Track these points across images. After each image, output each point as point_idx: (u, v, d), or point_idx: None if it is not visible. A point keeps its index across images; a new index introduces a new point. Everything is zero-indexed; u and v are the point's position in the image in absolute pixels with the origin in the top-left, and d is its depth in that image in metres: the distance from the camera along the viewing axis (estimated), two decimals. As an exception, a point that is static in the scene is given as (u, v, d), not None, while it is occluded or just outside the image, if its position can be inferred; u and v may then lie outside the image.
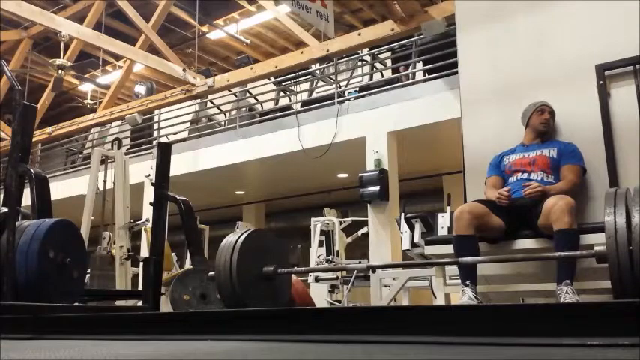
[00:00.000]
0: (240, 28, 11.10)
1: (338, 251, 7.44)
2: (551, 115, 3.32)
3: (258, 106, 9.75)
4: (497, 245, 3.12)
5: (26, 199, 3.81)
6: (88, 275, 5.93)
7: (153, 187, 4.07)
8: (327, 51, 6.24)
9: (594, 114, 3.23)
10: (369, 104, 7.55)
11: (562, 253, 2.70)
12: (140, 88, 10.33)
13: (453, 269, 3.36)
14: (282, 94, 9.60)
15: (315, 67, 8.57)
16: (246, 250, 3.15)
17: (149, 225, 6.06)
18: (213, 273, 3.23)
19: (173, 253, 7.70)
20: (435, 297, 3.79)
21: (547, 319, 1.52)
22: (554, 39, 3.50)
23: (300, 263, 8.24)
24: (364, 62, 8.72)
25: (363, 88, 8.16)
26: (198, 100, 9.61)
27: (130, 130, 10.48)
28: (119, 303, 5.40)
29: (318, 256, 7.46)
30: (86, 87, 12.17)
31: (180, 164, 8.22)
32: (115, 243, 6.71)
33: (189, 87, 7.48)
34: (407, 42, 7.65)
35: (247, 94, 9.61)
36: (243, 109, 9.66)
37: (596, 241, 2.66)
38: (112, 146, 7.47)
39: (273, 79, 9.29)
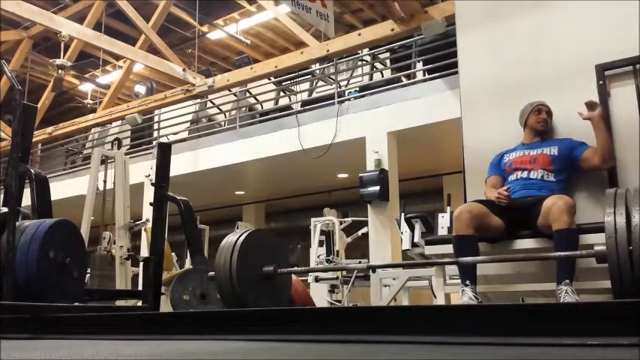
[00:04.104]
0: (240, 28, 11.10)
1: (338, 251, 7.43)
2: (548, 115, 3.32)
3: (258, 106, 9.75)
4: (497, 245, 3.12)
5: (26, 199, 3.81)
6: (88, 275, 5.94)
7: (153, 187, 4.08)
8: (327, 51, 6.24)
9: (594, 114, 3.23)
10: (369, 104, 7.55)
11: (562, 253, 2.70)
12: (140, 88, 10.33)
13: (453, 269, 3.36)
14: (282, 94, 9.60)
15: (315, 67, 8.57)
16: (246, 250, 3.15)
17: (149, 225, 6.07)
18: (213, 273, 3.23)
19: (173, 253, 7.70)
20: (435, 297, 3.79)
21: (547, 319, 1.52)
22: (554, 39, 3.50)
23: (300, 263, 8.24)
24: (364, 62, 8.71)
25: (363, 88, 8.16)
26: (198, 100, 9.61)
27: (130, 130, 10.49)
28: (119, 303, 5.40)
29: (318, 256, 7.46)
30: (86, 87, 12.19)
31: (180, 164, 8.22)
32: (115, 243, 6.71)
33: (189, 87, 7.48)
34: (407, 42, 7.65)
35: (247, 94, 9.61)
36: (243, 109, 9.66)
37: (596, 241, 2.66)
38: (112, 146, 7.47)
39: (273, 79, 9.29)
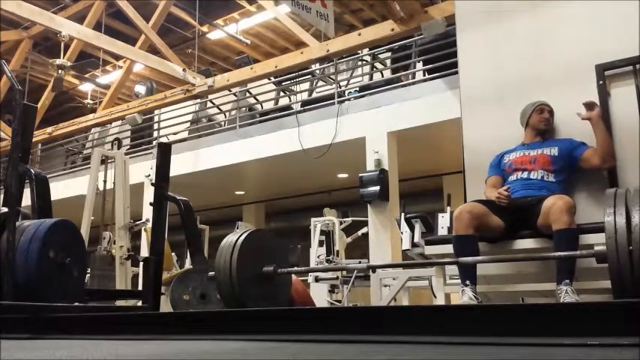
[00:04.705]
0: (240, 28, 11.10)
1: (338, 251, 7.44)
2: (550, 114, 3.33)
3: (258, 106, 9.75)
4: (497, 245, 3.12)
5: (26, 199, 3.81)
6: (88, 275, 5.94)
7: (153, 187, 4.08)
8: (327, 51, 6.23)
9: (594, 114, 3.23)
10: (369, 104, 7.55)
11: (562, 253, 2.70)
12: (140, 88, 10.33)
13: (453, 269, 3.35)
14: (282, 94, 9.60)
15: (315, 67, 8.57)
16: (246, 250, 3.15)
17: (149, 225, 6.06)
18: (213, 273, 3.23)
19: (173, 253, 7.70)
20: (435, 297, 3.79)
21: (547, 319, 1.52)
22: (554, 39, 3.50)
23: (300, 263, 8.24)
24: (364, 62, 8.71)
25: (363, 88, 8.16)
26: (198, 100, 9.61)
27: (130, 130, 10.48)
28: (119, 303, 5.40)
29: (318, 256, 7.46)
30: (86, 87, 12.18)
31: (180, 164, 8.22)
32: (115, 243, 6.71)
33: (189, 87, 7.47)
34: (407, 42, 7.65)
35: (247, 94, 9.61)
36: (243, 109, 9.66)
37: (596, 241, 2.66)
38: (112, 146, 7.47)
39: (273, 79, 9.29)
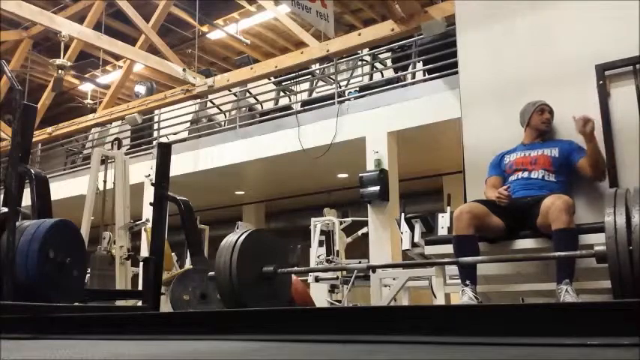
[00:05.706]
0: (240, 28, 11.10)
1: (338, 251, 7.43)
2: (551, 115, 3.32)
3: (258, 106, 9.75)
4: (497, 245, 3.12)
5: (26, 199, 3.81)
6: (88, 275, 5.93)
7: (153, 187, 4.08)
8: (327, 51, 6.23)
9: (594, 114, 3.22)
10: (369, 104, 7.55)
11: (561, 253, 2.70)
12: (140, 88, 10.33)
13: (453, 269, 3.36)
14: (282, 94, 9.60)
15: (315, 67, 8.57)
16: (246, 250, 3.15)
17: (149, 225, 6.06)
18: (213, 273, 3.23)
19: (173, 253, 7.70)
20: (435, 297, 3.79)
21: (547, 319, 1.52)
22: (554, 39, 3.51)
23: (300, 263, 8.24)
24: (364, 62, 8.72)
25: (363, 88, 8.16)
26: (198, 100, 9.61)
27: (130, 130, 10.48)
28: (119, 303, 5.40)
29: (318, 256, 7.46)
30: (86, 87, 12.18)
31: (180, 164, 8.22)
32: (115, 243, 6.70)
33: (189, 87, 7.47)
34: (407, 42, 7.65)
35: (247, 94, 9.61)
36: (243, 109, 9.66)
37: (596, 241, 2.66)
38: (112, 146, 7.46)
39: (273, 79, 9.29)
